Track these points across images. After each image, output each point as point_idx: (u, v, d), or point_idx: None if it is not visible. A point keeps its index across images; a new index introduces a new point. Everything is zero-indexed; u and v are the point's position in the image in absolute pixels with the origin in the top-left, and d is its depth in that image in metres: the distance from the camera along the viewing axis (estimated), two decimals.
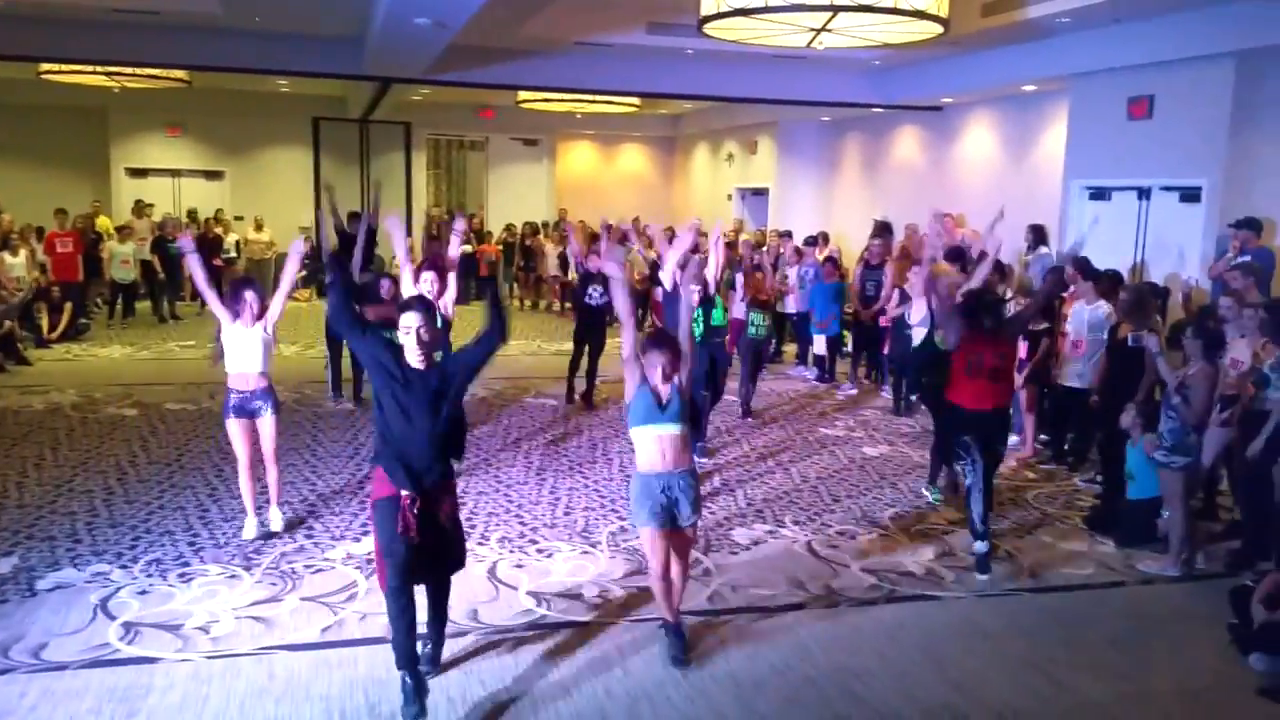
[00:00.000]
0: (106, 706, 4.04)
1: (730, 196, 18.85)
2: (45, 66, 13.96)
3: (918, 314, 8.48)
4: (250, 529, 5.99)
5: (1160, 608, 5.53)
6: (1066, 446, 8.40)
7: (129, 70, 13.85)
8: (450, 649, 4.65)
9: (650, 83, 13.63)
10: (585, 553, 5.99)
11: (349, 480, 7.27)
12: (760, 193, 18.00)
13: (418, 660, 4.07)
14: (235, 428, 5.96)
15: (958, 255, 8.73)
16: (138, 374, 11.11)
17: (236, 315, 5.88)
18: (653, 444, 4.47)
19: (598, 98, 15.60)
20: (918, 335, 8.35)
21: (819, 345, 11.80)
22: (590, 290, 9.87)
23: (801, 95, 13.83)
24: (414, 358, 3.98)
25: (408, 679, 3.99)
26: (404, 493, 3.95)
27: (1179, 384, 5.95)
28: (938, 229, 8.33)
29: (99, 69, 13.74)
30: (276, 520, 6.13)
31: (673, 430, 4.48)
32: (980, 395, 5.92)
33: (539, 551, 6.00)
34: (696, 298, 7.05)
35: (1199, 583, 5.91)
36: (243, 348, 5.87)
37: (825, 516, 6.83)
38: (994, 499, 6.24)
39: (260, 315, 5.90)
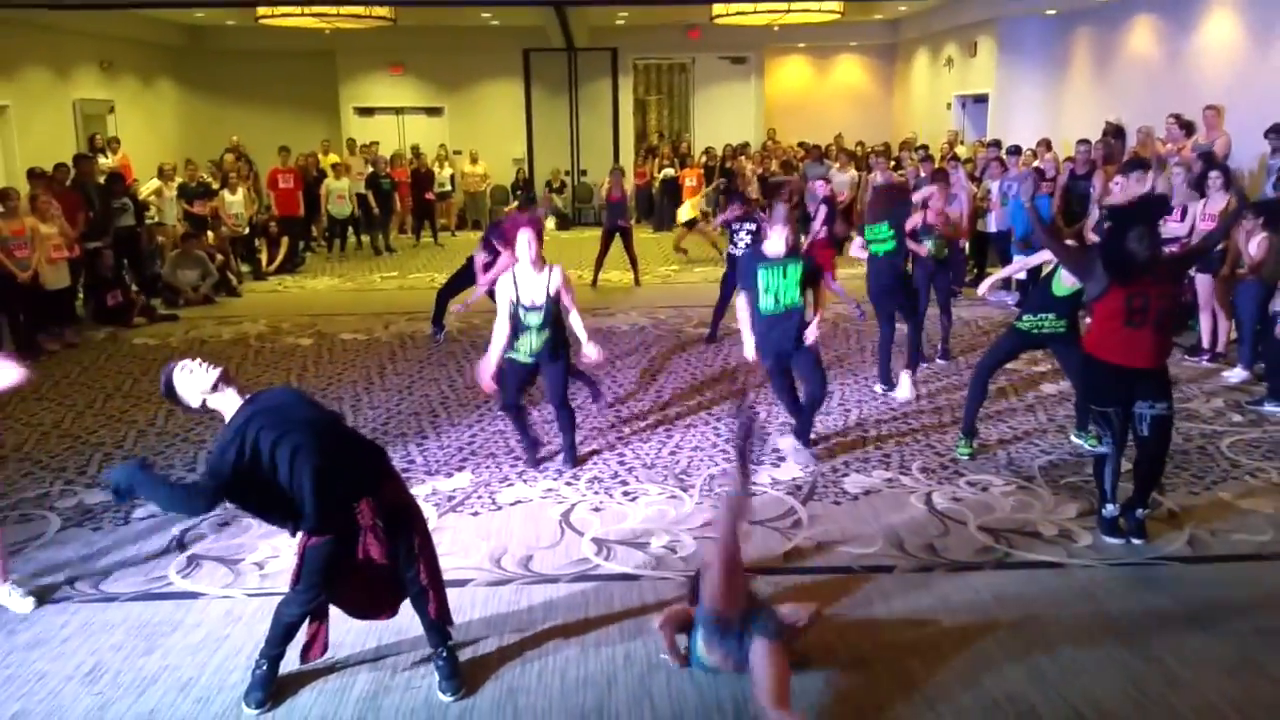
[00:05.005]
0: (130, 641, 4.14)
1: (949, 105, 17.36)
2: (262, 11, 14.73)
3: None
4: None
5: None
6: None
7: (333, 10, 14.40)
8: (486, 597, 4.48)
9: None
10: (673, 497, 5.62)
11: (469, 410, 7.21)
12: (981, 99, 16.44)
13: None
14: None
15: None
16: (330, 304, 11.64)
17: None
18: None
19: (794, 6, 14.67)
20: None
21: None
22: (735, 240, 9.11)
23: None
24: None
25: (265, 668, 3.74)
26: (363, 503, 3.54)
27: None
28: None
29: (307, 10, 14.35)
30: None
31: None
32: (1140, 350, 4.75)
33: (625, 494, 5.68)
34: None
35: None
36: None
37: (962, 464, 6.09)
38: (1162, 471, 5.06)
39: None
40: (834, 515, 5.36)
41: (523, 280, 5.64)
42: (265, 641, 3.77)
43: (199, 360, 3.57)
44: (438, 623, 3.76)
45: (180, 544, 5.06)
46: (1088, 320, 5.59)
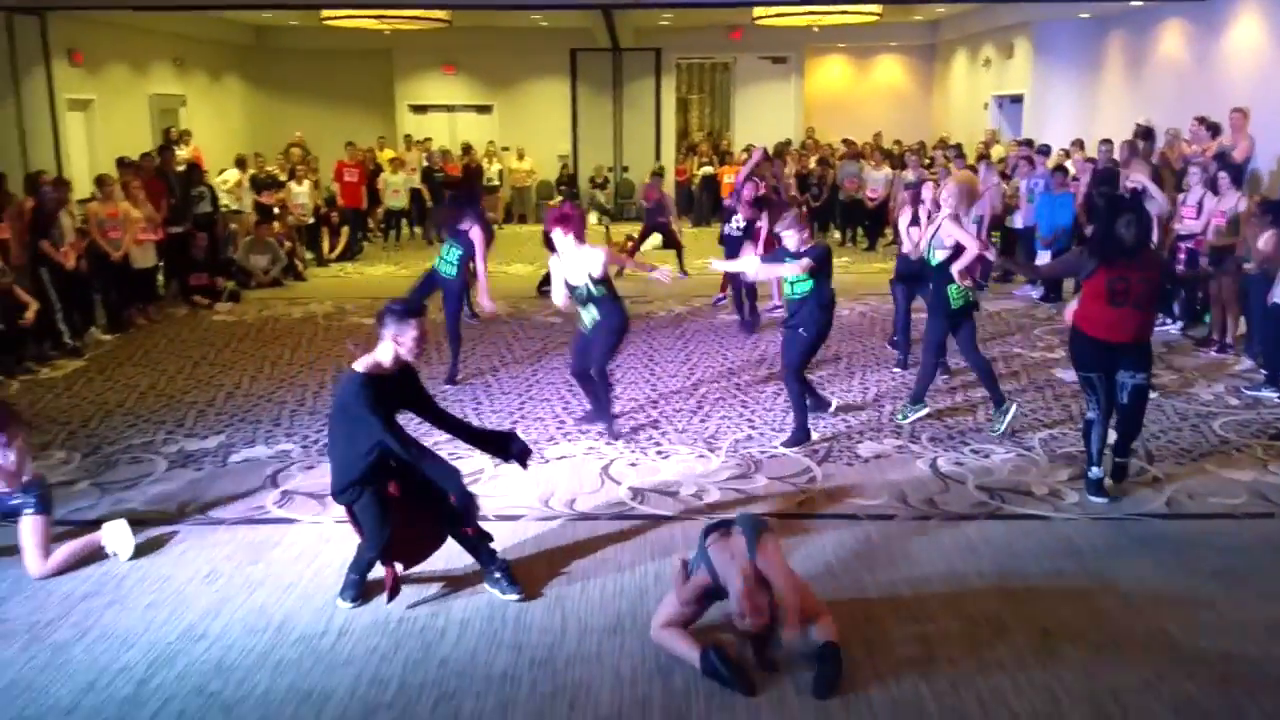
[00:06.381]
0: (238, 554, 4.89)
1: (987, 105, 17.82)
2: (326, 13, 15.56)
3: None
4: None
5: None
6: None
7: (393, 13, 15.20)
8: (537, 530, 5.18)
9: None
10: (701, 456, 6.27)
11: (520, 381, 7.92)
12: (1017, 100, 16.89)
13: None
14: None
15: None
16: (389, 289, 12.30)
17: None
18: None
19: (832, 8, 15.21)
20: None
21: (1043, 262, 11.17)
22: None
23: None
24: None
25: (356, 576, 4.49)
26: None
27: None
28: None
29: (369, 12, 15.15)
30: None
31: None
32: (1119, 325, 5.36)
33: (658, 453, 6.34)
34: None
35: None
36: None
37: (968, 435, 6.68)
38: (1139, 429, 5.73)
39: None
40: (846, 474, 5.99)
41: (567, 264, 6.43)
42: (351, 565, 4.48)
43: (414, 322, 4.29)
44: (477, 539, 4.48)
45: (274, 481, 5.82)
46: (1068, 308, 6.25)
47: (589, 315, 6.45)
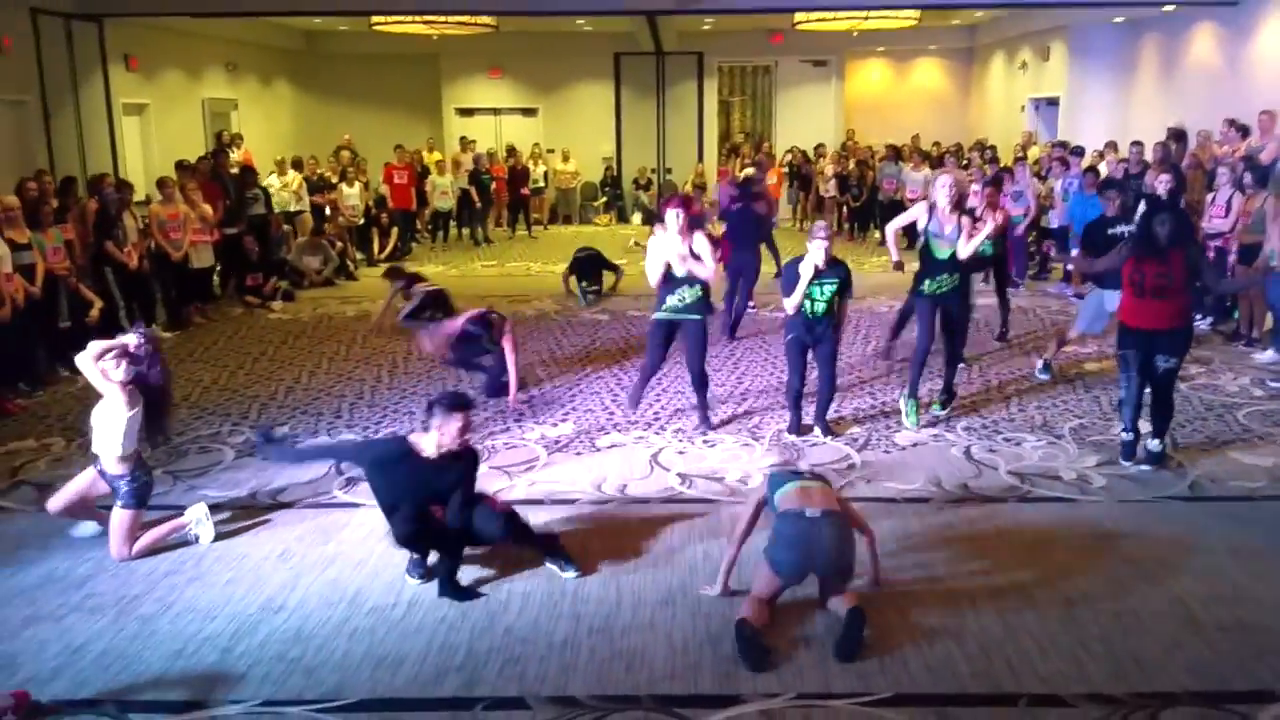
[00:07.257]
0: (309, 536, 5.25)
1: (1023, 107, 17.93)
2: (375, 19, 16.00)
3: None
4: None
5: None
6: None
7: (441, 19, 15.61)
8: (591, 512, 5.51)
9: None
10: (746, 445, 6.56)
11: (570, 375, 8.25)
12: (1053, 102, 17.01)
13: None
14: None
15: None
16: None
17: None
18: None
19: (872, 13, 15.42)
20: None
21: None
22: None
23: None
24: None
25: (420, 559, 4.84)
26: None
27: None
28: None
29: (418, 18, 15.57)
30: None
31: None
32: (1147, 314, 5.81)
33: (704, 442, 6.64)
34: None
35: None
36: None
37: (1001, 424, 6.91)
38: (1171, 411, 6.11)
39: None
40: (884, 461, 6.26)
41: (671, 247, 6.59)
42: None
43: (459, 415, 4.63)
44: (530, 536, 4.87)
45: (339, 469, 6.18)
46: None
47: (690, 294, 6.65)
